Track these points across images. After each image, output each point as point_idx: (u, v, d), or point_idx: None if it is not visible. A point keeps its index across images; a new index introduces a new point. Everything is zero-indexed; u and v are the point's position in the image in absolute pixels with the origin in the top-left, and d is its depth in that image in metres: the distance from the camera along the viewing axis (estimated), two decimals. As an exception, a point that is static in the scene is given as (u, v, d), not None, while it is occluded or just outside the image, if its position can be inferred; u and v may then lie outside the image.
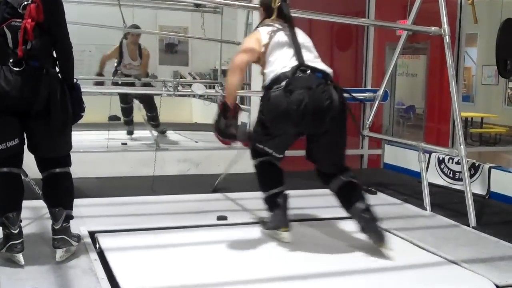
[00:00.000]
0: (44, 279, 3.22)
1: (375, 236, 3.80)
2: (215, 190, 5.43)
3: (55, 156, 3.55)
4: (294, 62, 3.77)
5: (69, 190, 3.63)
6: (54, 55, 3.50)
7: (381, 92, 6.27)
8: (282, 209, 3.98)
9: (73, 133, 3.63)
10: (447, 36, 5.29)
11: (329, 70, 3.83)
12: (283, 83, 3.67)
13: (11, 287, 3.10)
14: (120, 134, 8.22)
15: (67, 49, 3.53)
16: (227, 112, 3.80)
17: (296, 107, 3.60)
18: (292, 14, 4.15)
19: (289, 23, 4.01)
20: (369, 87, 7.31)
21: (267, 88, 3.80)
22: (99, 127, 8.18)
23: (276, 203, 4.00)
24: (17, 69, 3.29)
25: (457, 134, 5.09)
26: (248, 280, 3.32)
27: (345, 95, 3.87)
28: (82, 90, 3.65)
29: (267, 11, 4.09)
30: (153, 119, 8.40)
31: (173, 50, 12.43)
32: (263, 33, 3.98)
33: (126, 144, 7.72)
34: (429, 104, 8.19)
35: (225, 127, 3.82)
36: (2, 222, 3.39)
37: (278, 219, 3.98)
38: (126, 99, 8.35)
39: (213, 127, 3.86)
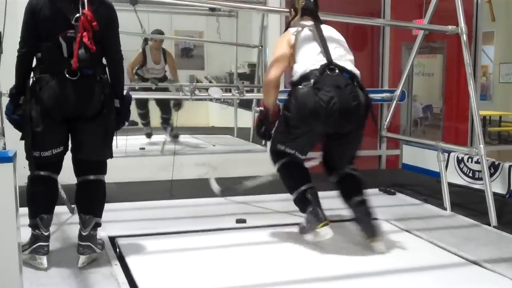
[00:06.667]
0: (65, 284, 3.25)
1: (366, 229, 3.87)
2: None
3: (97, 159, 3.62)
4: (323, 60, 3.79)
5: (101, 198, 3.70)
6: (104, 62, 3.59)
7: (398, 92, 6.25)
8: (315, 205, 3.83)
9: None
10: (464, 35, 5.26)
11: (356, 71, 3.86)
12: (312, 80, 3.70)
13: (33, 293, 3.13)
14: (138, 139, 8.25)
15: (118, 60, 3.62)
16: (268, 118, 4.01)
17: (325, 105, 3.63)
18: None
19: (316, 20, 4.03)
20: (386, 88, 7.28)
21: (295, 84, 3.82)
22: (117, 132, 8.21)
23: (307, 201, 3.87)
24: (73, 78, 3.38)
25: (476, 133, 5.05)
26: (268, 283, 3.33)
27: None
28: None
29: (295, 11, 4.14)
30: (167, 122, 8.42)
31: (189, 54, 12.45)
32: (291, 33, 4.00)
33: (144, 149, 7.75)
34: (446, 103, 8.14)
35: (264, 132, 4.11)
36: (35, 223, 3.46)
37: (314, 217, 3.80)
38: (143, 105, 8.38)
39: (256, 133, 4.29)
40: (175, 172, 5.67)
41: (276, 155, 4.05)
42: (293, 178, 4.01)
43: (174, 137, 8.43)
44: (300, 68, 3.82)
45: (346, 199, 4.01)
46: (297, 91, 3.77)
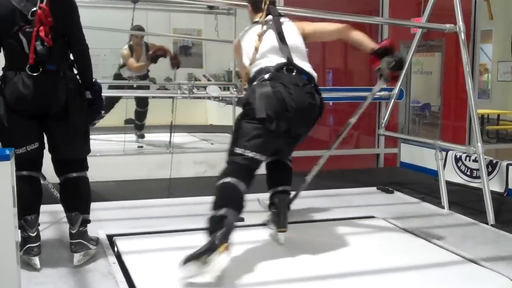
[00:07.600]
0: (63, 283, 3.25)
1: (279, 219, 3.95)
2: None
3: (74, 158, 3.59)
4: (282, 59, 3.75)
5: (85, 194, 3.67)
6: (71, 57, 3.55)
7: (396, 90, 6.25)
8: (222, 231, 3.34)
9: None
10: (462, 33, 5.26)
11: (314, 74, 3.81)
12: (267, 75, 3.66)
13: (31, 291, 3.13)
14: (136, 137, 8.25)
15: (83, 51, 3.57)
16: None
17: (282, 98, 3.56)
18: (305, 14, 4.13)
19: (278, 22, 3.94)
20: (384, 86, 7.28)
21: (251, 81, 3.80)
22: (115, 130, 8.21)
23: (217, 226, 3.37)
24: (34, 74, 3.34)
25: (474, 132, 5.05)
26: (265, 282, 3.33)
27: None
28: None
29: (254, 8, 4.10)
30: (141, 117, 8.36)
31: (187, 52, 12.44)
32: (246, 41, 3.99)
33: (142, 147, 7.75)
34: (445, 101, 8.15)
35: None
36: (21, 225, 3.43)
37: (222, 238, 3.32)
38: (143, 103, 8.35)
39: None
40: (173, 170, 5.67)
41: (227, 166, 3.70)
42: (221, 198, 3.56)
43: (141, 137, 8.32)
44: (255, 65, 3.80)
45: (272, 185, 4.13)
46: (253, 87, 3.70)
